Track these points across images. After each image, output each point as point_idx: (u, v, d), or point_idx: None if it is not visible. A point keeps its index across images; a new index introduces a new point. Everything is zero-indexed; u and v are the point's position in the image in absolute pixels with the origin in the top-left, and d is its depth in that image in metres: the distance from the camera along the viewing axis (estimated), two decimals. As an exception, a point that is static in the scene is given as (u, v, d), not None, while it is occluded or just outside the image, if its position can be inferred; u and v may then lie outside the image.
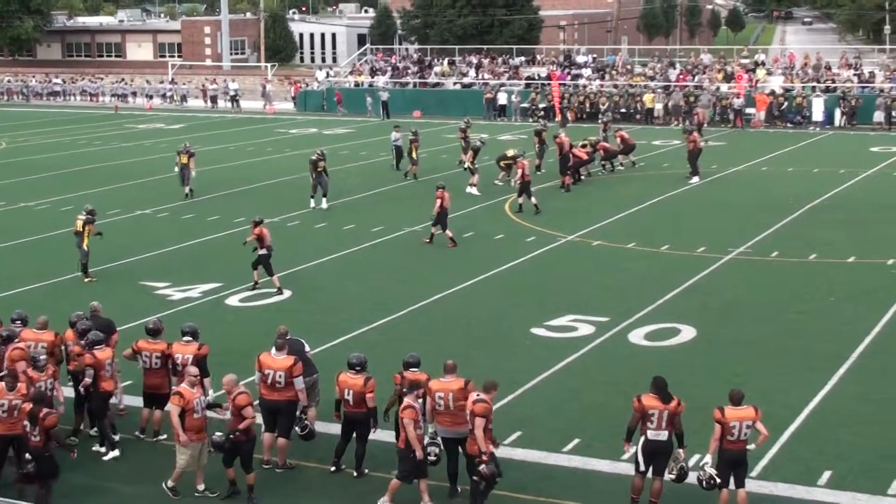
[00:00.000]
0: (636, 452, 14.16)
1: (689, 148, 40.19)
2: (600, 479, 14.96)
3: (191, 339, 16.60)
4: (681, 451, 14.08)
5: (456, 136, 52.65)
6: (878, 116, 55.26)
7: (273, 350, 15.91)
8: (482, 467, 13.80)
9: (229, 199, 37.46)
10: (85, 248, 26.51)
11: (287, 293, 24.96)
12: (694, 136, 40.75)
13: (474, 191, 36.80)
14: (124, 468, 15.78)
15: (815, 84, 58.56)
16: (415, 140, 40.74)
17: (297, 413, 15.87)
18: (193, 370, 15.22)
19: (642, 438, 14.03)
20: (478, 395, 14.06)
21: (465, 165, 38.22)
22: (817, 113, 55.61)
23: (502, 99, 63.11)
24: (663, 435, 13.94)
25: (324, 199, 34.68)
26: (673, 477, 14.08)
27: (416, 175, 40.45)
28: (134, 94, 79.30)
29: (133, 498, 14.98)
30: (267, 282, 25.30)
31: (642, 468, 14.11)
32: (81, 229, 26.46)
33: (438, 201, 29.36)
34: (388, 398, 15.48)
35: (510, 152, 38.60)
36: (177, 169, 37.66)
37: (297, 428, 15.82)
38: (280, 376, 15.58)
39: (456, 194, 35.96)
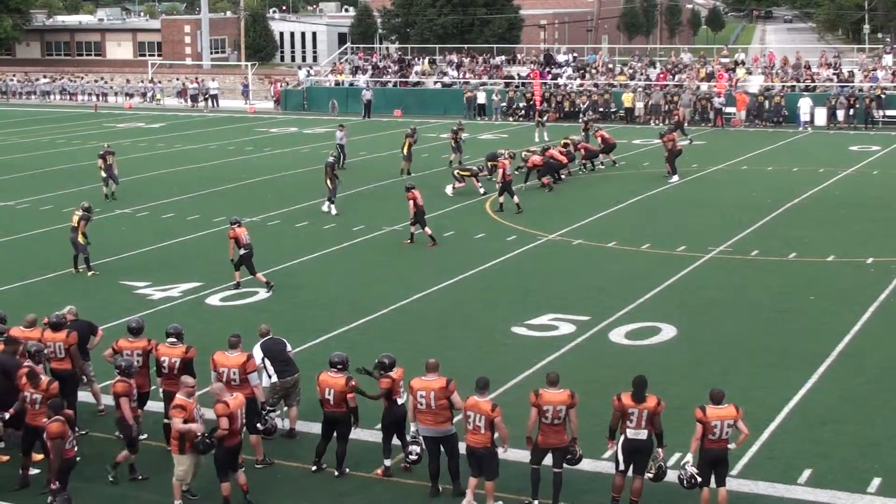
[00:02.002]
0: (616, 451, 14.20)
1: (668, 147, 40.26)
2: (581, 477, 14.96)
3: (176, 340, 16.47)
4: (660, 450, 14.11)
5: (437, 134, 52.85)
6: (840, 115, 55.55)
7: (227, 348, 15.99)
8: (580, 453, 14.37)
9: (209, 199, 37.37)
10: (81, 242, 26.68)
11: (265, 292, 24.93)
12: (671, 135, 40.84)
13: (449, 191, 36.80)
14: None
15: (804, 84, 58.60)
16: (411, 136, 41.22)
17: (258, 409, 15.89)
18: (190, 380, 14.92)
19: (622, 437, 14.06)
20: (570, 390, 14.21)
21: (455, 171, 38.16)
22: (805, 113, 55.55)
23: (481, 98, 63.13)
24: (643, 434, 13.97)
25: (332, 204, 34.06)
26: (651, 476, 14.11)
27: (405, 172, 40.85)
28: (116, 93, 79.03)
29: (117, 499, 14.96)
30: (249, 281, 25.25)
31: (622, 467, 14.13)
32: (77, 224, 26.61)
33: (411, 202, 29.36)
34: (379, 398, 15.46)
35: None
36: (104, 174, 37.13)
37: (258, 425, 15.79)
38: (234, 373, 15.66)
39: (435, 192, 36.06)
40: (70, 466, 14.16)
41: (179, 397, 14.58)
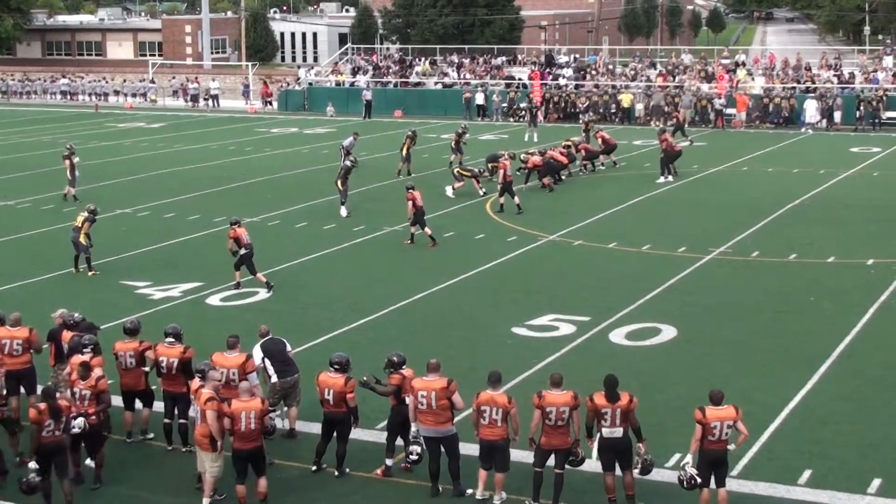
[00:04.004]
0: (594, 451, 14.28)
1: (662, 147, 40.27)
2: (580, 477, 14.95)
3: (174, 340, 16.48)
4: (640, 445, 14.20)
5: (437, 135, 52.88)
6: (837, 117, 55.43)
7: (226, 349, 16.06)
8: (582, 454, 14.37)
9: (210, 199, 37.37)
10: (83, 242, 26.74)
11: (265, 292, 24.94)
12: (663, 136, 40.81)
13: (450, 192, 36.76)
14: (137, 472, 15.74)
15: (805, 85, 58.57)
16: (411, 139, 41.44)
17: None
18: (216, 374, 15.09)
19: (598, 435, 14.16)
20: (574, 392, 14.31)
21: (455, 170, 38.19)
22: (811, 116, 55.42)
23: (479, 99, 63.09)
24: (618, 432, 14.06)
25: (343, 207, 33.89)
26: (637, 471, 14.18)
27: (401, 173, 41.01)
28: (117, 92, 78.97)
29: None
30: (249, 281, 25.26)
31: (602, 467, 14.22)
32: (80, 225, 26.75)
33: (410, 202, 29.37)
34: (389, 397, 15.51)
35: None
36: (70, 175, 36.98)
37: None
38: (234, 374, 15.69)
39: (436, 193, 36.07)
40: (49, 452, 14.23)
41: (208, 391, 14.63)
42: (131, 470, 15.76)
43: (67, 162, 36.84)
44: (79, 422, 14.73)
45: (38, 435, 14.18)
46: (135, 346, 16.65)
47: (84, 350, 16.14)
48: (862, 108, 55.32)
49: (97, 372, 15.47)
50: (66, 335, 17.10)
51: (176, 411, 16.33)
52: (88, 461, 15.32)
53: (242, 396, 14.47)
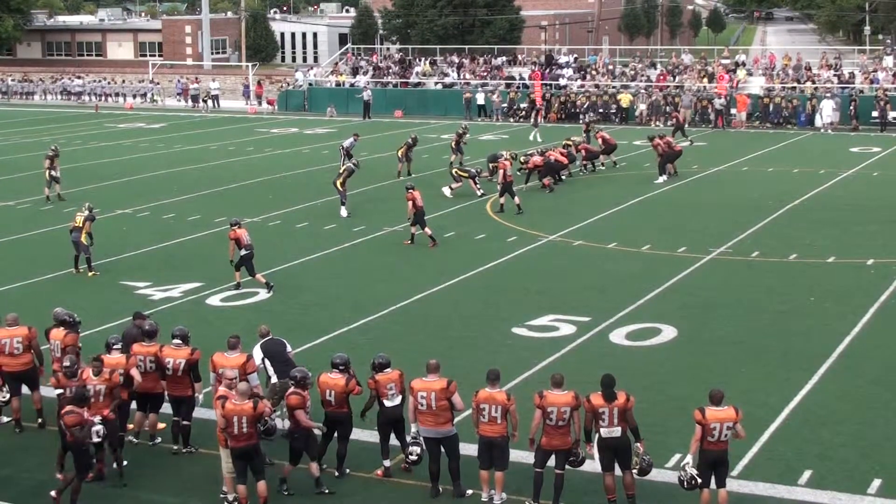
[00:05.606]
0: (594, 452, 14.29)
1: (658, 152, 40.27)
2: (580, 478, 14.95)
3: (181, 342, 16.42)
4: (639, 444, 14.22)
5: (437, 135, 52.83)
6: (836, 117, 55.41)
7: (227, 349, 16.05)
8: (583, 455, 14.34)
9: (210, 199, 37.37)
10: (84, 242, 26.68)
11: (265, 293, 24.93)
12: (656, 140, 40.82)
13: (447, 192, 36.73)
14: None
15: (805, 85, 58.53)
16: (410, 144, 41.52)
17: None
18: (230, 373, 15.15)
19: (597, 436, 14.17)
20: (575, 392, 14.31)
21: (453, 171, 38.21)
22: (827, 116, 55.27)
23: (480, 99, 63.10)
24: (616, 431, 14.08)
25: (343, 207, 34.04)
26: (636, 471, 14.19)
27: (401, 174, 40.98)
28: (117, 94, 78.88)
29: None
30: (249, 281, 25.26)
31: (601, 467, 14.23)
32: (81, 225, 26.67)
33: (410, 203, 29.39)
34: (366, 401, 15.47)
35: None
36: (48, 176, 36.76)
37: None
38: (234, 374, 15.59)
39: (436, 193, 36.08)
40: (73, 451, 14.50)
41: (223, 389, 14.71)
42: (131, 470, 15.73)
43: (48, 162, 36.65)
44: (97, 429, 14.71)
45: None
46: (155, 350, 16.55)
47: (113, 349, 16.13)
48: (852, 107, 55.24)
49: (108, 367, 15.56)
50: (60, 333, 17.09)
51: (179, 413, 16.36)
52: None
53: (236, 399, 14.43)
